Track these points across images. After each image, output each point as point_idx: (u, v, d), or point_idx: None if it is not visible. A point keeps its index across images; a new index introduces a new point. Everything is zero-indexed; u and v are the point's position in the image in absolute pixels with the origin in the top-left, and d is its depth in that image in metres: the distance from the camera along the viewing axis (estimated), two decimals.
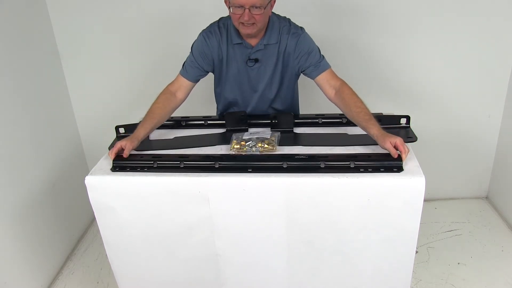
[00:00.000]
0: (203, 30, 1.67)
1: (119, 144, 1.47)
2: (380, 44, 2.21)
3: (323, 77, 1.61)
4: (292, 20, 1.68)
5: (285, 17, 1.67)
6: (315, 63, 1.62)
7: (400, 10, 2.13)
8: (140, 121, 1.61)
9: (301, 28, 1.64)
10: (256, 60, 1.64)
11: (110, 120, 1.96)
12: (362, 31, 2.18)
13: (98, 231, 1.54)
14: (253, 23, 1.49)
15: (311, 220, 1.39)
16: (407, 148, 1.36)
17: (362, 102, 1.51)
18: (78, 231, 2.43)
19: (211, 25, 1.67)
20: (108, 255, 1.57)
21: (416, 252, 1.65)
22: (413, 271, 1.46)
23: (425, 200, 1.31)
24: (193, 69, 1.66)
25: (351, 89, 1.56)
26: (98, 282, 2.09)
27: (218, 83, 1.78)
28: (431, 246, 2.20)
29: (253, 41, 1.62)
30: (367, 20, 2.16)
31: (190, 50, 1.68)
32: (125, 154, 1.46)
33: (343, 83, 1.59)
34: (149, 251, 1.53)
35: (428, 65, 2.25)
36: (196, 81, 1.70)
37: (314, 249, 1.45)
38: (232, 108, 1.80)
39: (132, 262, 1.58)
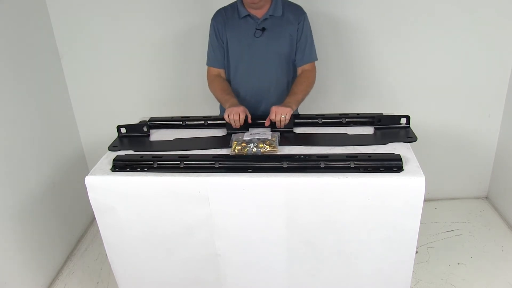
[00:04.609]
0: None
1: (234, 115, 1.58)
2: (380, 44, 2.21)
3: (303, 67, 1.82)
4: None
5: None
6: (303, 49, 1.77)
7: (399, 9, 2.13)
8: (223, 97, 1.73)
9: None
10: (263, 30, 1.72)
11: (110, 120, 1.96)
12: (362, 31, 2.19)
13: (98, 231, 1.54)
14: None
15: (311, 220, 1.39)
16: (284, 118, 1.58)
17: (303, 86, 1.75)
18: (78, 231, 2.43)
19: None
20: (108, 255, 1.57)
21: (416, 252, 1.65)
22: (413, 271, 1.46)
23: (425, 200, 1.31)
24: (216, 54, 1.81)
25: (309, 77, 1.79)
26: (98, 282, 2.09)
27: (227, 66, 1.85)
28: (431, 246, 2.20)
29: (259, 13, 1.72)
30: (367, 20, 2.16)
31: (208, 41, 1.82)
32: (250, 119, 1.62)
33: (311, 70, 1.81)
34: (149, 251, 1.53)
35: (428, 65, 2.25)
36: (224, 66, 1.84)
37: (314, 249, 1.45)
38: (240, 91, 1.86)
39: (132, 262, 1.58)
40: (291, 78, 1.85)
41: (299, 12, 1.76)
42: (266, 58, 1.76)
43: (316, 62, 1.83)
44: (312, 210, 1.37)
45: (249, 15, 1.72)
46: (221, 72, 1.85)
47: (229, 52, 1.78)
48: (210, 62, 1.84)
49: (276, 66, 1.79)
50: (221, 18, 1.76)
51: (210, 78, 1.84)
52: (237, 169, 1.39)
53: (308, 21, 1.77)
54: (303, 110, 1.88)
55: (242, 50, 1.76)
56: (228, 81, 1.86)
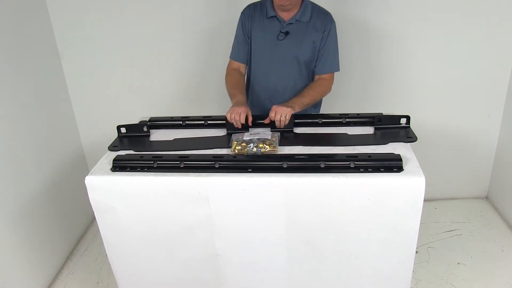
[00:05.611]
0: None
1: (235, 115, 1.57)
2: (380, 44, 2.21)
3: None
4: None
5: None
6: (325, 58, 1.74)
7: (399, 9, 2.13)
8: (231, 92, 1.75)
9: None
10: (287, 33, 1.71)
11: (110, 120, 1.96)
12: (362, 31, 2.19)
13: (98, 231, 1.54)
14: None
15: (311, 220, 1.39)
16: (284, 118, 1.58)
17: (314, 92, 1.75)
18: (78, 231, 2.43)
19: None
20: (108, 255, 1.57)
21: (416, 252, 1.65)
22: (413, 271, 1.46)
23: (425, 200, 1.31)
24: (240, 48, 1.81)
25: (323, 86, 1.78)
26: (98, 282, 2.09)
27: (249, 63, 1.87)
28: (431, 246, 2.20)
29: (286, 16, 1.71)
30: (366, 21, 2.16)
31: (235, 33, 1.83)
32: (250, 121, 1.62)
33: (328, 80, 1.79)
34: (149, 251, 1.53)
35: (428, 65, 2.25)
36: (246, 61, 1.85)
37: (314, 249, 1.45)
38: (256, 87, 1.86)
39: (132, 262, 1.58)
40: (310, 82, 1.84)
41: (327, 20, 1.72)
42: (285, 62, 1.76)
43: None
44: (312, 210, 1.37)
45: (276, 16, 1.72)
46: (241, 66, 1.86)
47: (252, 49, 1.79)
48: (232, 55, 1.85)
49: (295, 70, 1.78)
50: (250, 14, 1.77)
51: (228, 71, 1.86)
52: (237, 169, 1.39)
53: (334, 30, 1.74)
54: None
55: (263, 50, 1.77)
56: (249, 76, 1.87)
